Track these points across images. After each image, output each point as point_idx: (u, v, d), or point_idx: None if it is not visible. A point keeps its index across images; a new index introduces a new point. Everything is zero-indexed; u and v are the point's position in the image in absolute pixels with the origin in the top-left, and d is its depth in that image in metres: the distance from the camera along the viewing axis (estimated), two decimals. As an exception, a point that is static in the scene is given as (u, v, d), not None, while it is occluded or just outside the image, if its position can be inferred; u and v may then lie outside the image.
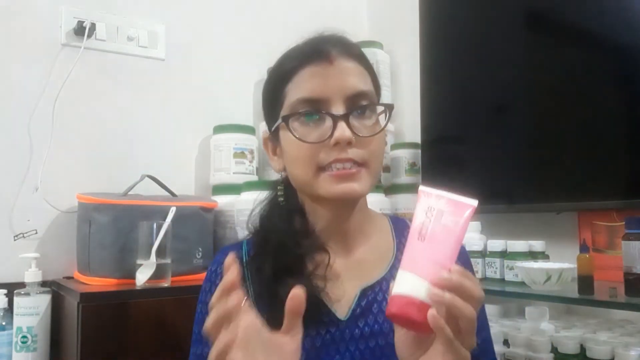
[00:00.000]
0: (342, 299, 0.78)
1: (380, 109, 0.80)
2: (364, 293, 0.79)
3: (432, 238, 0.62)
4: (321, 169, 0.75)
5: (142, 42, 1.72)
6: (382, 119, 0.80)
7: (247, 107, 1.91)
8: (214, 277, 0.83)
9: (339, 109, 0.75)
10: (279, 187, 0.85)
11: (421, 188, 0.66)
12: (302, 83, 0.77)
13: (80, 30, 1.60)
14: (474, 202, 0.63)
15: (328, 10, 2.06)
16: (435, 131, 1.65)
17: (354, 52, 0.80)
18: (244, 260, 0.83)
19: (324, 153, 0.74)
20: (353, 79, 0.77)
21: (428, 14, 1.74)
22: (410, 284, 0.61)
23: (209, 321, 0.59)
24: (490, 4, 1.57)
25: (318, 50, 0.77)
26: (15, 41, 1.55)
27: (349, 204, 0.81)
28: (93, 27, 1.61)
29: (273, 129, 0.81)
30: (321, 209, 0.81)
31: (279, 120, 0.78)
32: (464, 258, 0.87)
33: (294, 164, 0.78)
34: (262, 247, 0.81)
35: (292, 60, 0.79)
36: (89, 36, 1.61)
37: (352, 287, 0.79)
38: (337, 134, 0.73)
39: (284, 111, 0.78)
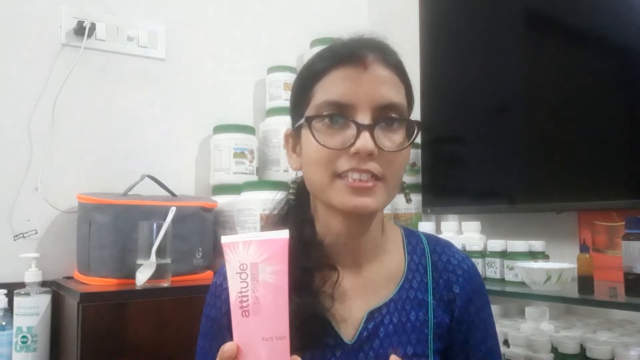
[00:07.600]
0: (348, 320, 0.75)
1: (409, 123, 0.75)
2: (371, 315, 0.76)
3: (257, 310, 0.56)
4: (337, 175, 0.71)
5: (142, 42, 1.72)
6: (410, 134, 0.76)
7: (247, 107, 1.91)
8: (219, 291, 0.80)
9: (365, 118, 0.70)
10: (291, 186, 0.82)
11: (223, 240, 0.58)
12: (331, 85, 0.73)
13: (80, 30, 1.60)
14: (284, 234, 0.58)
15: (328, 11, 2.06)
16: (435, 131, 1.64)
17: (392, 61, 0.75)
18: None
19: (343, 160, 0.71)
20: (386, 88, 0.73)
21: (428, 13, 1.74)
22: None
23: None
24: (491, 3, 1.57)
25: (354, 53, 0.73)
26: (15, 41, 1.55)
27: (363, 219, 0.76)
28: (93, 27, 1.62)
29: (296, 126, 0.78)
30: (334, 220, 0.76)
31: (302, 120, 0.75)
32: (476, 283, 0.82)
33: (311, 167, 0.74)
34: None
35: (325, 60, 0.75)
36: (89, 36, 1.61)
37: (358, 308, 0.76)
38: (358, 143, 0.69)
39: (309, 111, 0.75)
